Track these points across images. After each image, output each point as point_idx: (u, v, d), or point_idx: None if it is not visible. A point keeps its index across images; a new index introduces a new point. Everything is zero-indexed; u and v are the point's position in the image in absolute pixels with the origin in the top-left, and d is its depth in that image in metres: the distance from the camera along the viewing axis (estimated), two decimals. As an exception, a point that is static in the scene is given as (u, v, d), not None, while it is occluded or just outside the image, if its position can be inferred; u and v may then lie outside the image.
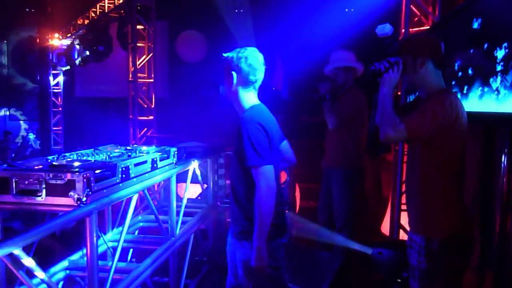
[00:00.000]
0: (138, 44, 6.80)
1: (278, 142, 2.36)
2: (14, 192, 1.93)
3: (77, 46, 7.12)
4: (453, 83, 2.93)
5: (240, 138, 2.13)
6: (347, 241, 3.75)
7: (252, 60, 2.21)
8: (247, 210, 2.20)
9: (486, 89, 2.42)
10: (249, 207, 2.18)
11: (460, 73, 2.84)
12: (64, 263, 2.65)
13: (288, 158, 2.53)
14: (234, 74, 2.21)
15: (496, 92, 2.29)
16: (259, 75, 2.25)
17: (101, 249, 2.87)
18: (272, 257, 2.17)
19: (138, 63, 6.83)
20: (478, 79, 2.53)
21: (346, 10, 5.94)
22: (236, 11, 6.83)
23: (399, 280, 3.14)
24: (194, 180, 3.76)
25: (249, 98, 2.27)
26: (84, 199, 1.90)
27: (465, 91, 2.75)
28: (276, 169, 2.20)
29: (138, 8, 6.65)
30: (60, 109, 9.17)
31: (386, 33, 2.04)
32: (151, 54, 7.01)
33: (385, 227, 4.99)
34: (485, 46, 2.42)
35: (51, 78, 8.92)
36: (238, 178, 2.25)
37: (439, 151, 1.98)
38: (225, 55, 2.27)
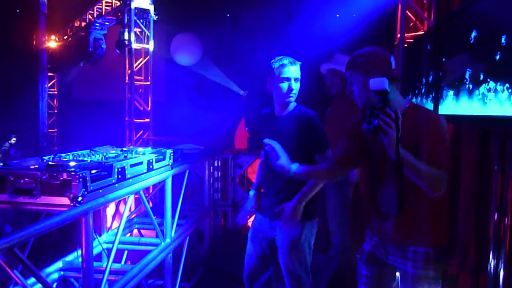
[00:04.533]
0: (134, 47, 6.78)
1: None
2: (10, 191, 1.92)
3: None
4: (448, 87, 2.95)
5: (311, 129, 2.56)
6: None
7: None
8: (298, 190, 2.54)
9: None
10: (300, 188, 2.53)
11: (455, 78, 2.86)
12: (59, 264, 2.63)
13: None
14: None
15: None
16: None
17: (96, 251, 2.86)
18: (312, 234, 2.61)
19: (135, 65, 6.82)
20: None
21: (337, 15, 5.89)
22: (228, 15, 6.83)
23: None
24: (190, 183, 3.76)
25: None
26: (80, 198, 1.89)
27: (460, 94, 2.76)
28: None
29: (136, 10, 6.64)
30: (56, 111, 9.15)
31: (383, 88, 1.83)
32: (148, 57, 7.00)
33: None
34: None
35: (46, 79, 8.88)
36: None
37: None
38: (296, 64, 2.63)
